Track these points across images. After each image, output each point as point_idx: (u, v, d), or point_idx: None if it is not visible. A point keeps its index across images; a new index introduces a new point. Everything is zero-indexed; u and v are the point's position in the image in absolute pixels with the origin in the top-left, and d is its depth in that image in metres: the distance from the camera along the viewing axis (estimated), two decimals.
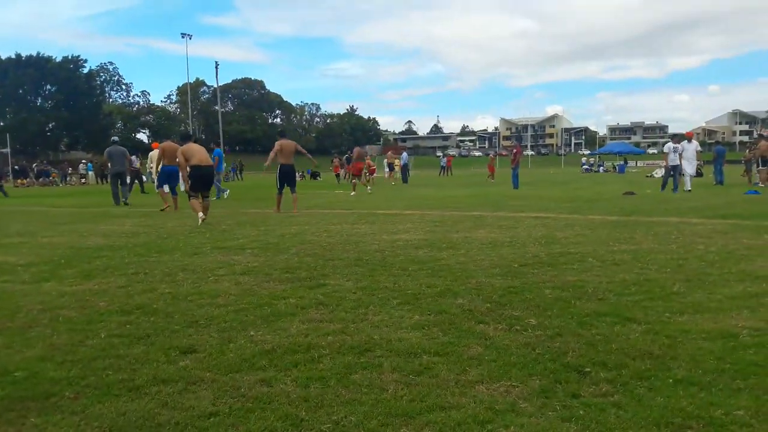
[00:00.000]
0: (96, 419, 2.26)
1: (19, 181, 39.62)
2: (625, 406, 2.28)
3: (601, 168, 49.70)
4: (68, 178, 44.90)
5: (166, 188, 12.89)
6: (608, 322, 3.37)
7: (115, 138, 16.43)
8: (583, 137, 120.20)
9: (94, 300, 4.16)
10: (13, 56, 71.31)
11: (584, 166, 52.25)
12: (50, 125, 74.84)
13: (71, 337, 3.28)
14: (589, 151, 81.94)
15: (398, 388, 2.50)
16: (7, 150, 42.46)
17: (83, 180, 43.00)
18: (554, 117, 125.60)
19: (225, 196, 16.86)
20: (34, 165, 46.86)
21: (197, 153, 9.77)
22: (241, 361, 2.85)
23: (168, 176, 12.85)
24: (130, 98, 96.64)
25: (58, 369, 2.79)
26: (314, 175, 41.66)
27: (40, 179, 41.70)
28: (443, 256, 5.75)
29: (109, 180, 18.18)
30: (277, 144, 11.76)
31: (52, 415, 2.30)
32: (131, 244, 7.05)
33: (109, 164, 16.14)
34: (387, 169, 32.69)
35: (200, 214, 9.41)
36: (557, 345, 3.00)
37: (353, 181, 18.43)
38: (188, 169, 9.74)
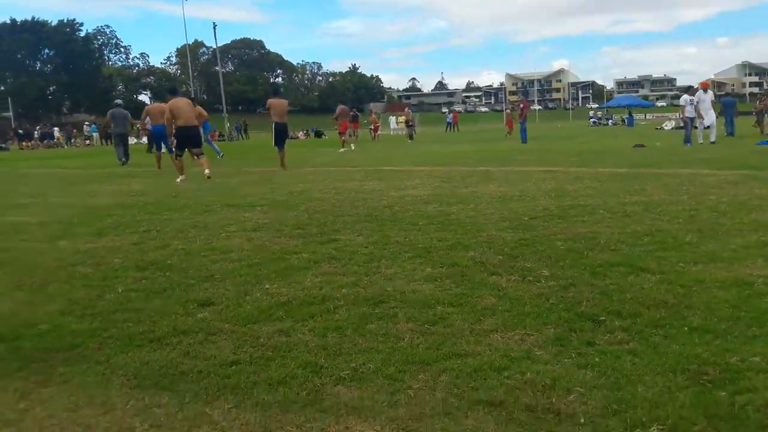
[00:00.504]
0: (121, 368, 2.31)
1: (23, 143, 39.67)
2: (640, 353, 2.28)
3: (610, 121, 48.95)
4: (73, 140, 44.75)
5: (163, 149, 12.93)
6: (621, 272, 3.37)
7: (119, 101, 16.35)
8: (590, 91, 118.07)
9: (108, 257, 4.20)
10: (8, 21, 70.17)
11: (592, 119, 51.48)
12: (51, 89, 74.27)
13: (89, 293, 3.33)
14: (597, 105, 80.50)
15: (414, 336, 2.53)
16: (10, 113, 42.28)
17: (87, 141, 42.86)
18: (560, 71, 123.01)
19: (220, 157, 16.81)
20: (37, 127, 46.64)
21: (184, 113, 9.72)
22: (258, 313, 2.89)
23: (159, 137, 12.90)
24: (129, 61, 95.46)
25: (79, 322, 2.84)
26: (318, 134, 41.38)
27: (45, 141, 41.62)
28: (453, 210, 5.74)
29: (113, 141, 18.15)
30: (268, 102, 11.76)
31: (77, 364, 2.35)
32: (141, 203, 7.07)
33: (111, 125, 16.12)
34: (404, 127, 32.40)
35: (181, 176, 9.56)
36: (571, 295, 3.01)
37: (343, 138, 18.57)
38: (174, 128, 9.77)
